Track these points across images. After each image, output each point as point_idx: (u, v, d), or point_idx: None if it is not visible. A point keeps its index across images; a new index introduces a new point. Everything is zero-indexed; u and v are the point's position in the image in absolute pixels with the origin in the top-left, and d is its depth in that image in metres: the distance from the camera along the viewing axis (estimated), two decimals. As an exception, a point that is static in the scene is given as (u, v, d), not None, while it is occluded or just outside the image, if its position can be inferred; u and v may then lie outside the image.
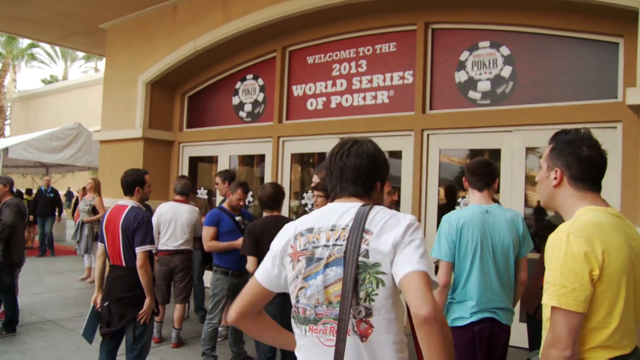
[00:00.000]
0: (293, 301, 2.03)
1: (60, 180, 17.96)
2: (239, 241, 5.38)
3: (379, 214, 1.93)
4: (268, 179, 8.67)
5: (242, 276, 5.60)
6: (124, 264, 4.23)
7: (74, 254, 11.63)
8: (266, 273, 2.11)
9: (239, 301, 2.14)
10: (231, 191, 5.69)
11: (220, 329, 5.93)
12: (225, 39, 8.79)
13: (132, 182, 4.40)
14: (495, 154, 6.63)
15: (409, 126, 7.24)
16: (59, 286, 9.52)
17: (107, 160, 10.78)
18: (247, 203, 7.50)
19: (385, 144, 7.66)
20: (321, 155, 8.69)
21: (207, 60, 9.56)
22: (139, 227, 4.18)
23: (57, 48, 41.80)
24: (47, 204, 13.20)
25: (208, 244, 5.52)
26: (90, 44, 12.81)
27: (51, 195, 13.33)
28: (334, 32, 8.12)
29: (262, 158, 9.25)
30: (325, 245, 1.95)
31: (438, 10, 7.11)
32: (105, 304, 4.30)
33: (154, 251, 4.57)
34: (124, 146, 10.28)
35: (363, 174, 2.08)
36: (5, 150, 11.70)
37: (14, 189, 7.21)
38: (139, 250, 4.16)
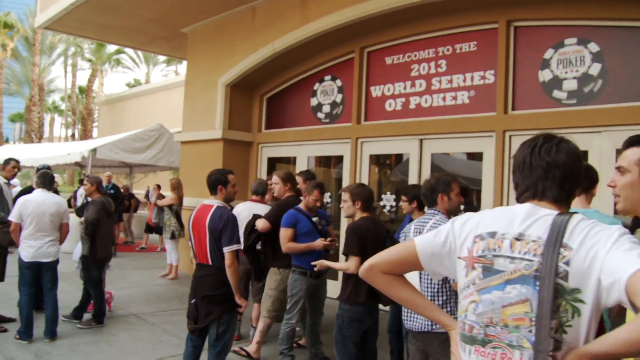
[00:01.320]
0: (459, 313, 1.84)
1: (143, 180, 18.62)
2: (318, 242, 5.41)
3: (580, 225, 1.68)
4: (346, 180, 8.70)
5: (320, 277, 5.64)
6: (210, 263, 4.36)
7: (162, 250, 12.03)
8: (429, 245, 1.91)
9: (380, 255, 1.98)
10: (308, 192, 5.69)
11: (297, 329, 5.97)
12: (303, 40, 8.91)
13: (215, 182, 4.51)
14: (583, 156, 6.35)
15: (490, 127, 7.09)
16: (141, 282, 9.91)
17: (188, 160, 11.12)
18: (324, 204, 7.51)
19: (466, 145, 7.56)
20: (398, 157, 8.63)
21: (286, 61, 9.71)
22: (226, 227, 4.27)
23: (140, 53, 43.74)
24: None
25: (286, 245, 5.54)
26: (172, 48, 13.30)
27: (112, 191, 13.25)
28: (412, 32, 8.08)
29: (339, 159, 9.32)
30: (509, 257, 1.71)
31: (521, 7, 6.94)
32: (192, 301, 4.44)
33: None
34: (204, 147, 10.59)
35: (572, 176, 1.84)
36: (94, 150, 12.25)
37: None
38: (226, 250, 4.27)
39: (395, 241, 4.48)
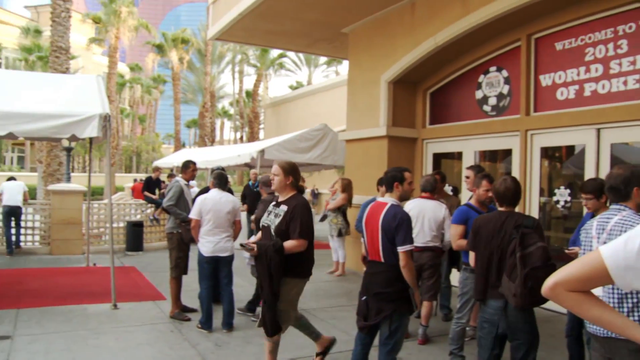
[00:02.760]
0: None
1: (308, 179, 19.20)
2: None
3: None
4: (515, 174, 8.36)
5: (491, 274, 5.43)
6: (382, 260, 4.37)
7: (325, 247, 12.33)
8: (621, 257, 1.65)
9: (564, 271, 1.77)
10: (476, 186, 5.58)
11: (468, 328, 5.83)
12: (465, 32, 8.72)
13: (391, 178, 4.54)
14: None
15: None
16: (310, 278, 10.15)
17: (353, 158, 11.32)
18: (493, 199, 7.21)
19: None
20: (569, 149, 8.12)
21: (448, 55, 9.57)
22: (400, 227, 4.27)
23: (301, 56, 45.47)
24: (255, 199, 12.37)
25: (456, 242, 5.47)
26: (333, 49, 13.65)
27: (257, 189, 12.86)
28: (586, 12, 7.57)
29: (506, 153, 9.00)
30: None
31: None
32: (363, 298, 4.47)
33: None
34: (368, 144, 10.75)
35: None
36: (262, 151, 12.86)
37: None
38: (401, 249, 4.26)
39: (535, 238, 4.05)
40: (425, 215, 6.38)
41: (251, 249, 4.77)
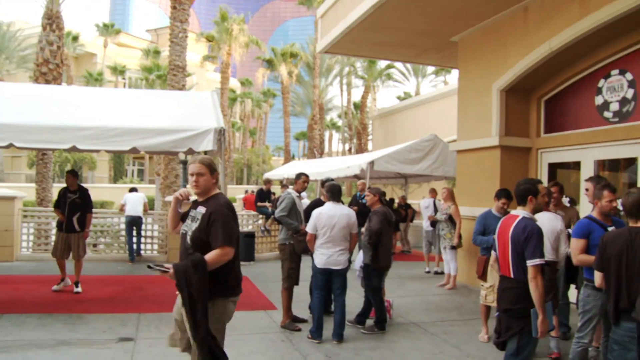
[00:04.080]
0: None
1: (417, 190, 18.97)
2: None
3: None
4: (641, 184, 7.81)
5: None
6: (512, 276, 4.27)
7: (434, 259, 12.18)
8: None
9: None
10: (597, 197, 5.28)
11: (590, 349, 5.50)
12: (583, 34, 8.32)
13: (525, 191, 4.40)
14: None
15: None
16: (420, 291, 10.16)
17: (465, 169, 11.10)
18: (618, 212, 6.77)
19: None
20: None
21: (564, 60, 9.17)
22: (529, 239, 4.13)
23: (409, 66, 45.35)
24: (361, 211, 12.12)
25: (577, 257, 5.20)
26: (442, 58, 13.53)
27: (364, 201, 12.00)
28: None
29: (628, 162, 8.49)
30: None
31: None
32: (496, 314, 4.46)
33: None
34: (480, 155, 10.54)
35: None
36: (372, 163, 12.86)
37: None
38: (530, 263, 4.12)
39: None
40: (541, 227, 6.11)
41: (165, 271, 3.81)
